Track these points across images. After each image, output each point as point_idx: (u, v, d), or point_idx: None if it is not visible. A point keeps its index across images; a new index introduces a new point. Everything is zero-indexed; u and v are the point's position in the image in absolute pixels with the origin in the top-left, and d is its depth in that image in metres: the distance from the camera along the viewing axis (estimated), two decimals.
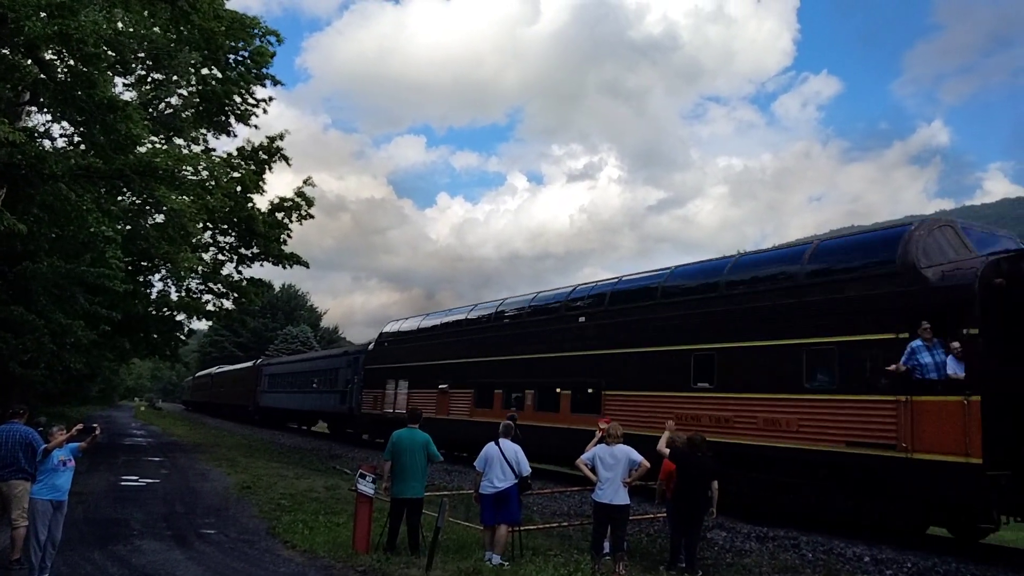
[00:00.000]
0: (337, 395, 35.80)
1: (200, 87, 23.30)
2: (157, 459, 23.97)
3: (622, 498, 9.45)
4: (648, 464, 9.57)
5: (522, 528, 10.76)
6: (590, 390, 18.78)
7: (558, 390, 20.01)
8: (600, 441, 10.14)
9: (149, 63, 20.80)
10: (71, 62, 16.71)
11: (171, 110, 22.49)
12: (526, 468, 10.22)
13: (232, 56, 24.23)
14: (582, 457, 9.94)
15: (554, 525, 13.07)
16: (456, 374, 25.37)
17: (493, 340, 23.79)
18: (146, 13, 18.15)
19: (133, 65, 20.31)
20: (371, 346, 33.17)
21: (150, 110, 21.55)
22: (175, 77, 21.06)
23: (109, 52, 16.99)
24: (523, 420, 18.58)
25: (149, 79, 21.96)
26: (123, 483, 17.55)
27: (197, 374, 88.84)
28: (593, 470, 9.65)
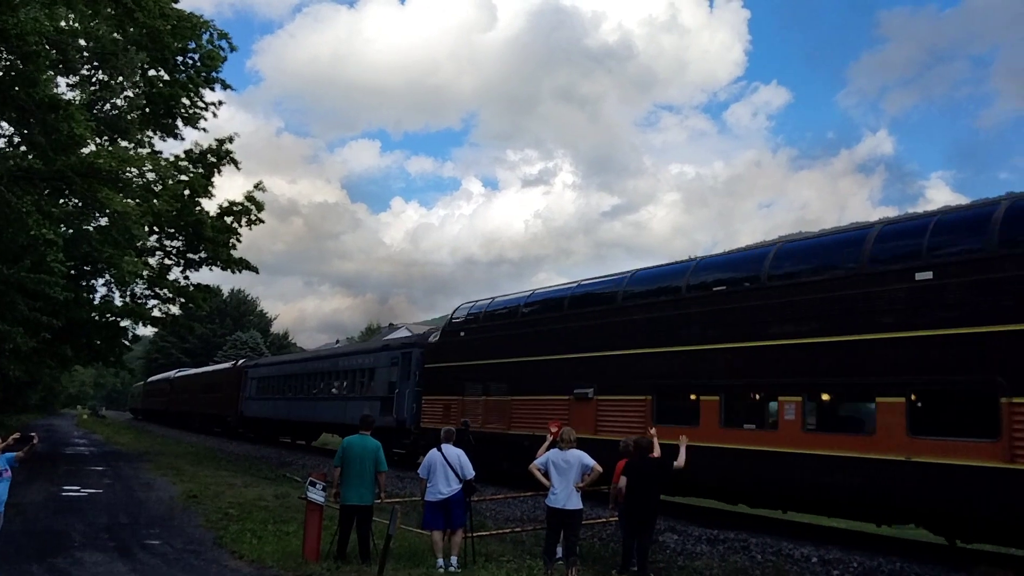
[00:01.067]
0: (375, 403, 26.07)
1: (147, 89, 22.82)
2: (100, 468, 23.35)
3: (575, 503, 9.46)
4: (600, 469, 9.59)
5: (475, 534, 10.70)
6: None
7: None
8: (552, 445, 10.14)
9: (96, 63, 20.32)
10: (10, 59, 16.24)
11: (116, 111, 21.99)
12: (470, 471, 10.17)
13: (181, 58, 23.82)
14: (535, 462, 9.93)
15: (507, 531, 13.04)
16: (614, 373, 16.29)
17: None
18: (90, 12, 17.72)
19: (77, 64, 19.82)
20: (434, 337, 24.49)
21: (94, 111, 21.05)
22: (120, 78, 20.60)
23: (51, 50, 16.56)
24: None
25: (94, 79, 21.45)
26: (64, 493, 17.05)
27: (149, 379, 79.23)
28: (546, 475, 9.65)
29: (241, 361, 47.15)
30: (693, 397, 14.42)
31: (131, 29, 19.22)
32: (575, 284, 19.29)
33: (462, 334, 22.46)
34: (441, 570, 9.70)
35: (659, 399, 15.21)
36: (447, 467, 10.03)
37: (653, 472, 10.08)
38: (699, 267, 15.82)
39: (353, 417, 23.44)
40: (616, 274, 18.08)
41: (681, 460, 10.41)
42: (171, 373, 65.95)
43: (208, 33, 23.63)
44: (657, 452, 10.54)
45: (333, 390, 30.80)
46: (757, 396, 13.86)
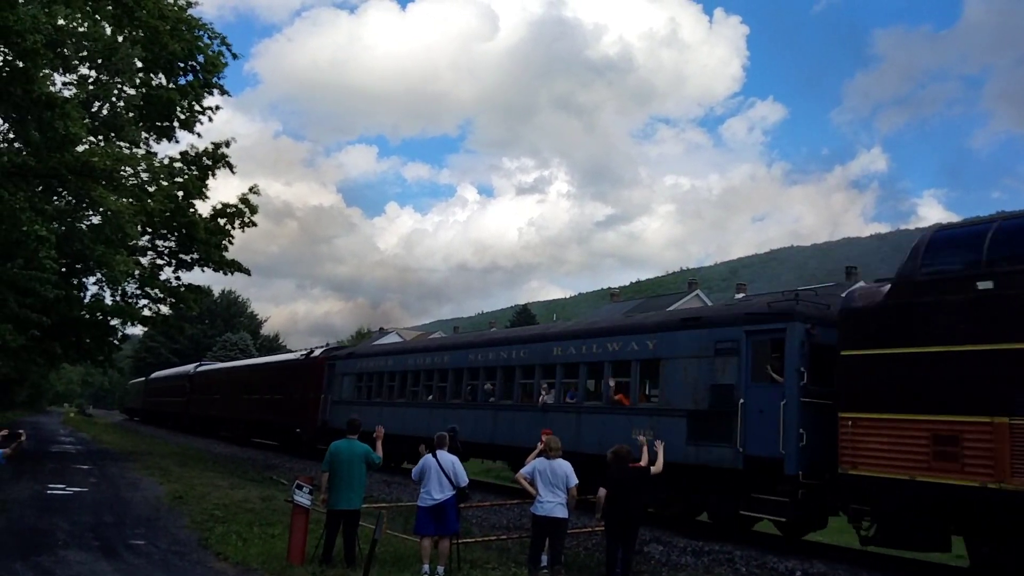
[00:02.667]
0: (672, 421, 14.58)
1: (145, 90, 22.87)
2: (86, 467, 23.28)
3: (560, 512, 9.50)
4: (576, 489, 9.64)
5: (461, 541, 10.73)
6: None
7: None
8: (540, 454, 10.18)
9: (99, 61, 20.35)
10: (7, 56, 16.27)
11: (112, 110, 22.02)
12: (464, 479, 10.21)
13: (182, 63, 23.89)
14: (522, 471, 9.97)
15: (492, 538, 13.05)
16: None
17: None
18: (89, 8, 17.78)
19: (75, 63, 19.86)
20: (862, 303, 12.11)
21: (91, 109, 21.07)
22: (117, 79, 20.64)
23: (48, 49, 16.59)
24: None
25: (92, 79, 21.49)
26: (49, 491, 16.99)
27: (154, 375, 67.65)
28: (532, 483, 9.69)
29: (319, 350, 32.74)
30: None
31: (130, 30, 19.26)
32: None
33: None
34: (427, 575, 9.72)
35: None
36: (441, 473, 10.06)
37: (633, 481, 10.08)
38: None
39: (593, 443, 15.65)
40: None
41: (658, 466, 10.44)
42: (189, 367, 54.09)
43: (206, 35, 23.71)
44: (645, 460, 10.57)
45: (543, 395, 18.24)
46: None
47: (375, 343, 47.25)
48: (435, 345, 24.98)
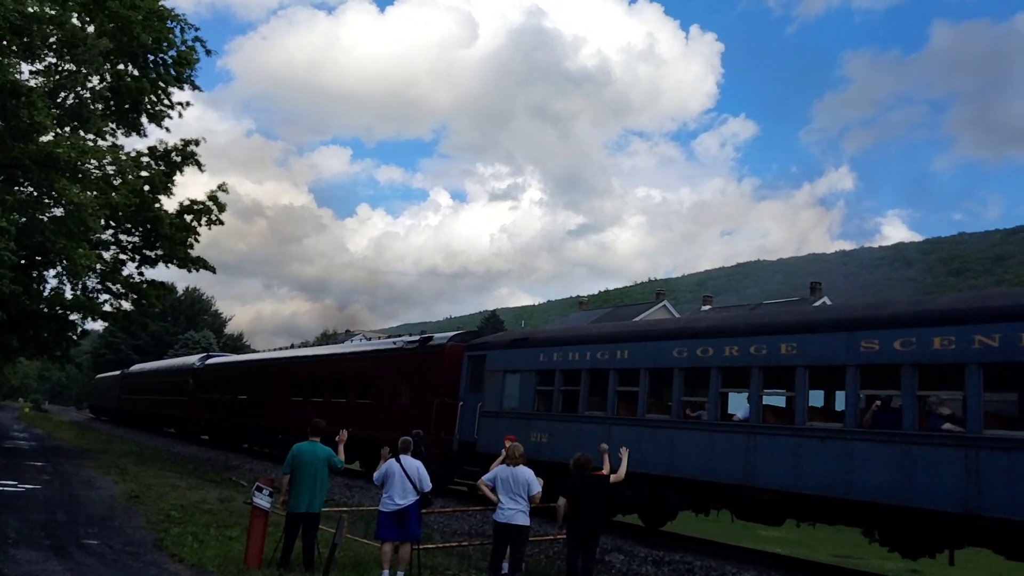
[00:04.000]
0: None
1: (113, 82, 22.51)
2: (39, 464, 22.78)
3: (522, 519, 9.48)
4: (539, 495, 9.63)
5: (422, 547, 10.65)
6: None
7: None
8: (503, 461, 10.15)
9: (65, 50, 20.00)
10: None
11: (79, 101, 21.64)
12: (427, 484, 10.14)
13: (152, 56, 23.57)
14: (484, 477, 9.94)
15: (454, 544, 12.98)
16: None
17: None
18: None
19: (42, 52, 19.50)
20: None
21: (57, 99, 20.70)
22: (84, 70, 20.29)
23: (14, 36, 16.27)
24: None
25: (59, 68, 21.11)
26: (0, 488, 16.61)
27: (133, 368, 57.73)
28: (494, 490, 9.66)
29: (446, 336, 22.10)
30: None
31: (100, 19, 18.96)
32: None
33: None
34: None
35: None
36: (405, 478, 9.97)
37: (593, 489, 10.09)
38: None
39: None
40: None
41: (620, 473, 10.46)
42: (191, 359, 43.90)
43: (179, 27, 23.42)
44: (606, 469, 10.58)
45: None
46: None
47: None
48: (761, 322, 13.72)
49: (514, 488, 9.51)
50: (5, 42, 15.50)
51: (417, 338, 23.62)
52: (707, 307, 52.72)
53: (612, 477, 10.34)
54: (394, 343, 25.14)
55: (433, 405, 19.62)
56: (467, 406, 18.72)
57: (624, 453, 10.78)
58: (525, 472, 9.63)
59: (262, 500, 10.26)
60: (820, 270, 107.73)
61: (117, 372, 62.89)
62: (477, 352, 19.18)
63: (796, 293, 63.56)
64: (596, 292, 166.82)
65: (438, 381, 20.12)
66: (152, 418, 48.88)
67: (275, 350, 49.90)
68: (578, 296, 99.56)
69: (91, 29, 19.64)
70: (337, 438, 10.74)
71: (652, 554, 12.72)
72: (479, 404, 18.17)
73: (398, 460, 10.13)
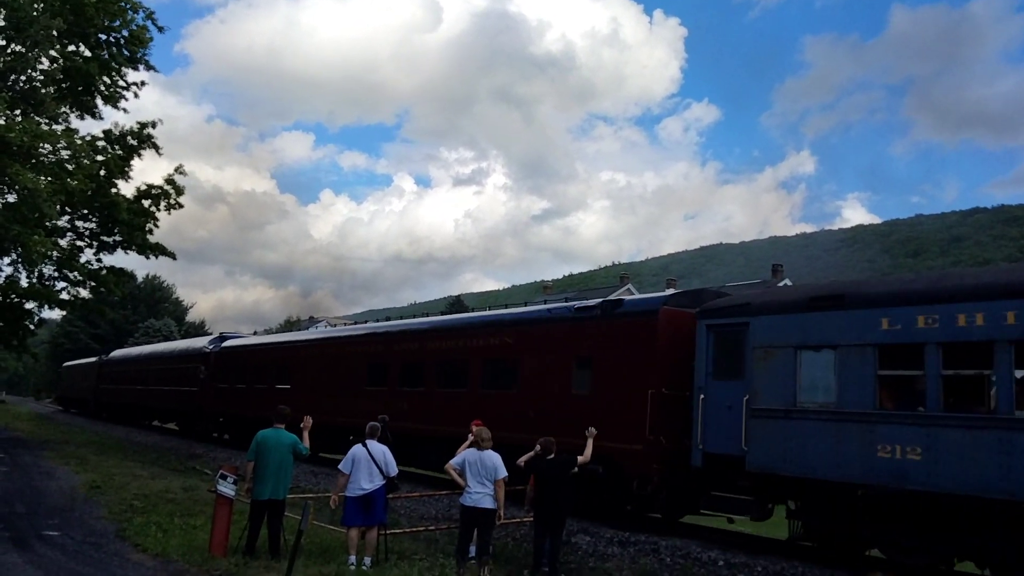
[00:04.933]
0: None
1: (65, 63, 21.97)
2: None
3: (488, 502, 9.52)
4: (504, 481, 9.65)
5: (388, 532, 10.64)
6: None
7: None
8: (471, 445, 10.17)
9: (11, 32, 19.47)
10: None
11: (30, 84, 21.11)
12: (394, 469, 10.15)
13: (104, 36, 23.03)
14: (451, 461, 9.95)
15: (420, 529, 13.01)
16: None
17: None
18: None
19: None
20: None
21: (8, 82, 20.17)
22: (36, 50, 19.78)
23: None
24: None
25: (9, 50, 20.55)
26: None
27: (115, 354, 50.63)
28: (461, 474, 9.68)
29: (665, 295, 16.60)
30: None
31: (51, 2, 18.49)
32: None
33: None
34: (352, 568, 9.61)
35: None
36: (371, 463, 9.95)
37: (557, 472, 10.18)
38: None
39: None
40: None
41: (586, 455, 10.56)
42: (200, 341, 37.88)
43: (138, 13, 22.93)
44: (588, 453, 10.64)
45: None
46: None
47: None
48: None
49: (482, 472, 9.53)
50: None
51: (595, 302, 16.51)
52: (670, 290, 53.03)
53: (579, 459, 10.42)
54: (549, 310, 17.96)
55: (642, 398, 13.53)
56: (714, 400, 12.75)
57: (590, 435, 10.86)
58: (493, 456, 9.66)
59: (226, 488, 10.18)
60: (781, 252, 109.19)
61: (92, 359, 55.49)
62: (727, 320, 12.99)
63: (758, 276, 64.39)
64: (561, 276, 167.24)
65: (649, 362, 13.89)
66: (144, 412, 42.33)
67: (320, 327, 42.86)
68: (543, 281, 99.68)
69: (39, 7, 19.12)
70: (302, 424, 10.69)
71: (618, 535, 12.84)
72: (742, 397, 12.22)
73: (364, 446, 10.11)
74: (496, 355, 17.79)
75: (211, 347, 33.29)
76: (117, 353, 50.66)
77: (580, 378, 15.38)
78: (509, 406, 16.43)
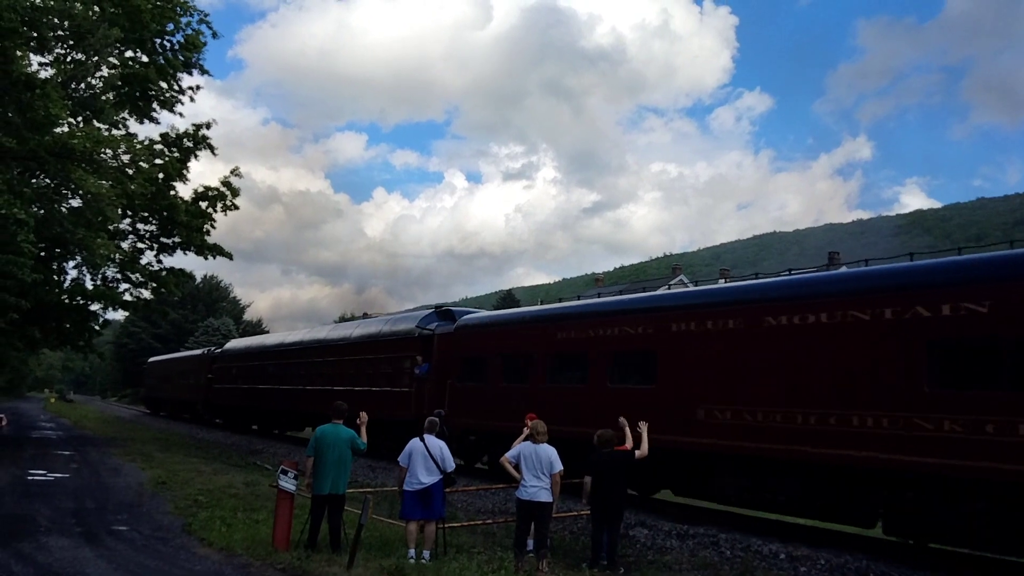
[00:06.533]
0: None
1: (123, 69, 22.52)
2: (67, 453, 23.06)
3: (544, 496, 9.50)
4: (560, 475, 9.62)
5: (446, 525, 10.71)
6: None
7: None
8: (527, 438, 10.16)
9: (71, 42, 20.01)
10: None
11: (91, 91, 21.68)
12: (451, 464, 10.18)
13: (159, 40, 23.55)
14: (507, 454, 9.95)
15: (478, 522, 13.04)
16: None
17: None
18: None
19: (52, 43, 19.51)
20: None
21: (69, 90, 20.75)
22: (96, 58, 20.30)
23: (27, 28, 16.29)
24: None
25: (69, 59, 21.13)
26: (30, 477, 16.83)
27: (240, 343, 41.48)
28: (517, 468, 9.68)
29: None
30: None
31: (108, 9, 18.94)
32: None
33: None
34: (412, 561, 9.69)
35: None
36: (428, 458, 10.01)
37: (616, 465, 10.11)
38: None
39: None
40: None
41: (643, 449, 10.45)
42: (414, 317, 23.93)
43: (191, 16, 23.37)
44: (629, 444, 10.58)
45: None
46: None
47: None
48: None
49: (537, 465, 9.52)
50: (17, 33, 15.50)
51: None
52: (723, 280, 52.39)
53: (637, 453, 10.34)
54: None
55: None
56: None
57: (644, 428, 10.75)
58: (548, 450, 9.63)
59: (287, 483, 10.34)
60: (836, 239, 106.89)
61: (198, 351, 46.94)
62: None
63: (813, 263, 63.10)
64: (612, 269, 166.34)
65: None
66: (296, 417, 31.93)
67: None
68: (594, 273, 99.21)
69: (95, 17, 19.59)
70: (358, 420, 10.79)
71: (676, 528, 12.73)
72: None
73: (422, 440, 10.18)
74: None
75: (434, 327, 22.13)
76: (237, 343, 41.37)
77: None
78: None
